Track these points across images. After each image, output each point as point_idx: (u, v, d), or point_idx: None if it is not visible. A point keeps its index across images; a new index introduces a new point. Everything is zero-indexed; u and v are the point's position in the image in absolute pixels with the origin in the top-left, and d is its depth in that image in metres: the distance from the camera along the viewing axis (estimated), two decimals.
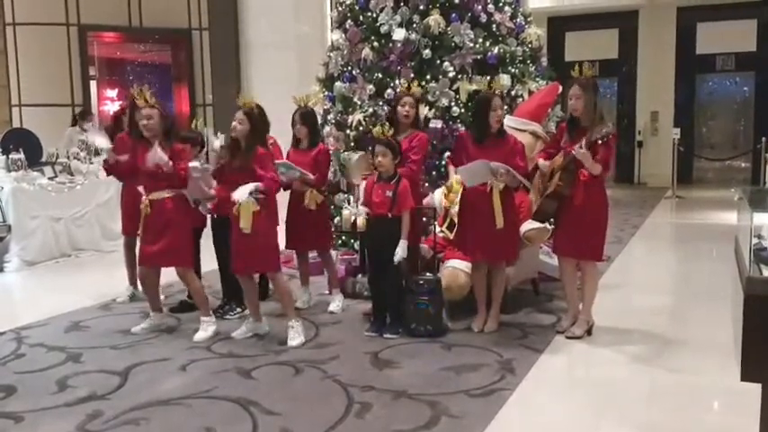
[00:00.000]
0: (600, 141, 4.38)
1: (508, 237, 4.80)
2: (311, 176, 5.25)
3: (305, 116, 5.41)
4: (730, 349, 4.33)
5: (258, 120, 4.62)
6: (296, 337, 4.66)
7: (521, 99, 6.15)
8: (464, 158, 4.79)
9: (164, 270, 5.10)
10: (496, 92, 4.82)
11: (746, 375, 3.86)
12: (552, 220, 4.87)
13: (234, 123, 4.61)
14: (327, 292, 5.80)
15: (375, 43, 6.36)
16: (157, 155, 4.59)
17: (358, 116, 6.32)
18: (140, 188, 4.85)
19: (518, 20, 6.55)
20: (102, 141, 5.31)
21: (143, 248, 4.89)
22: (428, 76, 6.14)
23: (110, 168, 5.24)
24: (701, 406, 3.75)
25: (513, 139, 4.81)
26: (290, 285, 4.89)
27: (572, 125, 4.65)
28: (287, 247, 5.57)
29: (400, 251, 4.66)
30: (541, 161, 4.73)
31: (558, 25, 16.03)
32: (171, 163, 4.64)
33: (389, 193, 4.74)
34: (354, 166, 5.55)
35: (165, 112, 4.80)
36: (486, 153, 4.66)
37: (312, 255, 5.93)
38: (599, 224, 4.66)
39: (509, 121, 5.45)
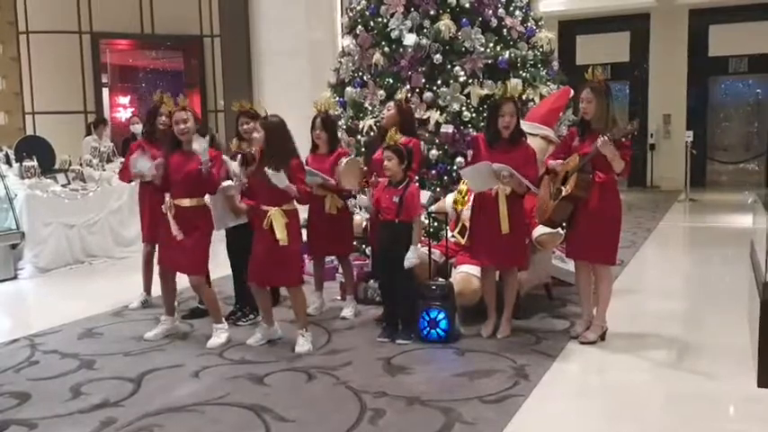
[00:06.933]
0: (623, 139, 4.38)
1: (516, 242, 4.77)
2: (332, 182, 5.25)
3: (325, 122, 5.41)
4: (746, 355, 4.29)
5: (274, 128, 4.57)
6: (304, 344, 4.66)
7: (532, 103, 6.13)
8: (478, 161, 4.77)
9: (177, 276, 5.11)
10: (510, 96, 4.78)
11: (764, 382, 3.85)
12: (564, 224, 4.84)
13: (254, 135, 4.59)
14: (339, 297, 5.79)
15: (386, 48, 6.37)
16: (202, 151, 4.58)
17: (369, 121, 6.33)
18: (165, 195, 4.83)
19: (529, 24, 6.54)
20: (145, 166, 5.04)
21: (163, 249, 4.89)
22: (439, 81, 6.14)
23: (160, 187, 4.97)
24: (717, 412, 3.70)
25: (525, 146, 4.78)
26: (306, 299, 4.88)
27: (583, 128, 4.64)
28: (306, 253, 5.56)
29: (411, 256, 4.65)
30: (552, 161, 4.70)
31: (569, 29, 15.98)
32: (210, 165, 4.65)
33: (396, 199, 4.73)
34: (342, 171, 5.37)
35: (196, 117, 4.81)
36: (498, 157, 4.65)
37: (326, 260, 5.92)
38: (613, 227, 4.63)
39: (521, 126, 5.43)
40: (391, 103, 5.56)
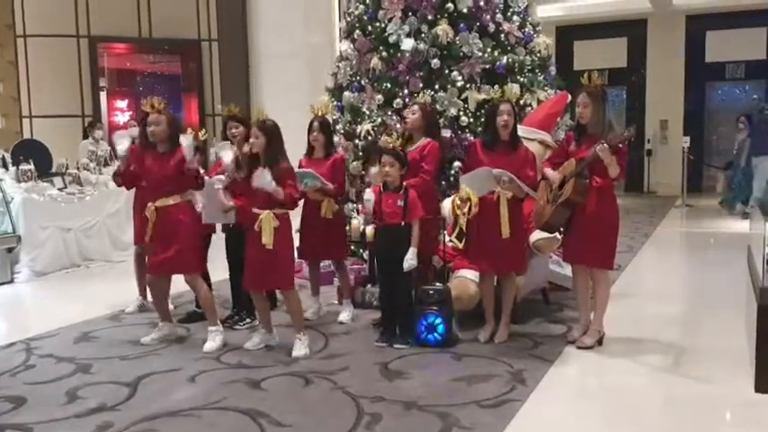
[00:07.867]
0: (621, 145, 4.38)
1: (515, 247, 4.77)
2: (331, 186, 5.25)
3: (323, 125, 5.41)
4: (743, 359, 4.29)
5: (273, 132, 4.59)
6: (301, 348, 4.65)
7: (529, 108, 6.14)
8: (474, 166, 4.78)
9: (173, 279, 5.10)
10: (507, 98, 4.79)
11: (761, 386, 3.85)
12: (562, 228, 4.84)
13: (251, 139, 4.60)
14: (336, 302, 5.79)
15: (383, 53, 6.37)
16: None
17: (367, 126, 6.32)
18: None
19: (526, 29, 6.54)
20: (123, 146, 5.11)
21: (151, 257, 4.89)
22: (437, 86, 6.13)
23: (120, 176, 5.21)
24: (715, 417, 3.71)
25: (524, 149, 4.80)
26: (300, 302, 4.87)
27: (579, 133, 4.65)
28: (301, 258, 5.54)
29: (410, 257, 4.65)
30: (550, 171, 4.70)
31: (567, 34, 16.03)
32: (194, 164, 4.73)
33: (400, 203, 4.73)
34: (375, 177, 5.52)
35: (173, 120, 4.83)
36: (496, 161, 4.65)
37: (321, 264, 5.90)
38: (610, 232, 4.64)
39: (518, 131, 5.44)
40: (415, 107, 5.32)
